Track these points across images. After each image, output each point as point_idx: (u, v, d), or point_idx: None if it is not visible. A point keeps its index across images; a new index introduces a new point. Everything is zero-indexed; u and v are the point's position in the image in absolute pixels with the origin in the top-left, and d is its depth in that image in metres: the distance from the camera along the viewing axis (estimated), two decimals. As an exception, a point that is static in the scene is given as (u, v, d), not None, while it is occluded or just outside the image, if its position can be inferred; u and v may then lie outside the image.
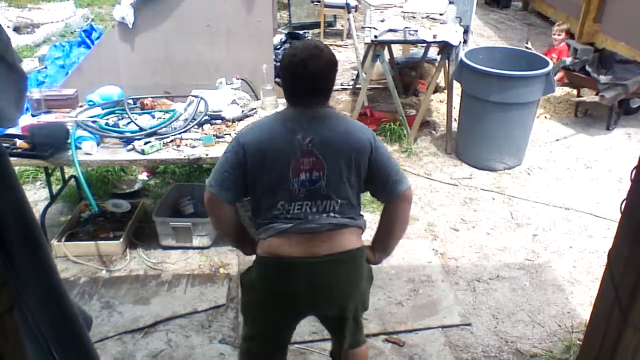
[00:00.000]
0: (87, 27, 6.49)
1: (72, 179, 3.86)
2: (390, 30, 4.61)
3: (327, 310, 2.03)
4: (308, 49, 1.85)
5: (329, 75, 1.90)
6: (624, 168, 4.51)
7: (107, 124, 3.31)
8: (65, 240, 3.44)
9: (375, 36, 4.54)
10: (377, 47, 4.60)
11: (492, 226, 3.83)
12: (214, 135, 3.28)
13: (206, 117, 3.43)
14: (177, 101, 3.66)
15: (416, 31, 4.58)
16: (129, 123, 3.35)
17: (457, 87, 4.87)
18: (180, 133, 3.29)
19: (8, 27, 7.35)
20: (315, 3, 7.96)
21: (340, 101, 5.81)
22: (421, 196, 4.13)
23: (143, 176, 4.29)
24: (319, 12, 7.92)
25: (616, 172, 4.51)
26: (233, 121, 3.46)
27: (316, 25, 8.04)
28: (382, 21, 4.79)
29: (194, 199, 3.70)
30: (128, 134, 3.24)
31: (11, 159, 1.55)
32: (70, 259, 3.38)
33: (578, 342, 2.78)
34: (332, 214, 1.89)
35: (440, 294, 3.18)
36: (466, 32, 5.48)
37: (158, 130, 3.27)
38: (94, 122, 3.28)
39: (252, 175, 1.89)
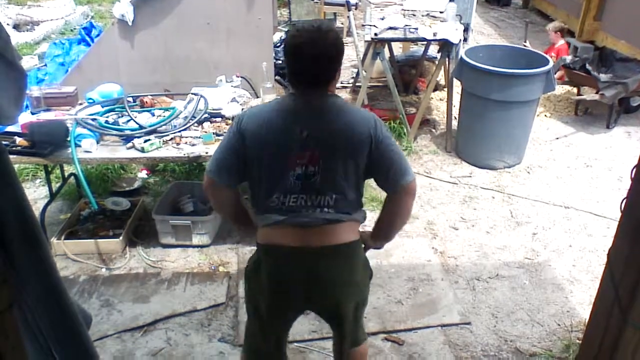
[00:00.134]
0: (86, 24, 6.49)
1: (72, 177, 3.86)
2: (391, 28, 4.60)
3: (321, 302, 2.01)
4: (311, 30, 1.78)
5: (330, 59, 1.81)
6: (624, 167, 4.51)
7: (106, 121, 3.31)
8: (65, 238, 3.44)
9: (376, 34, 4.53)
10: (377, 44, 4.60)
11: (491, 225, 3.83)
12: (213, 133, 3.28)
13: (206, 115, 3.43)
14: (177, 99, 3.65)
15: (416, 29, 4.57)
16: (128, 121, 3.35)
17: (457, 85, 4.86)
18: (180, 131, 3.29)
19: (8, 24, 7.34)
20: (315, 1, 7.95)
21: (340, 99, 5.80)
22: (421, 194, 4.13)
23: (143, 174, 4.28)
24: (319, 10, 7.91)
25: (616, 170, 4.51)
26: (233, 119, 3.45)
27: (316, 22, 8.02)
28: (382, 19, 4.79)
29: (194, 197, 3.70)
30: (128, 132, 3.23)
31: (11, 156, 1.55)
32: (70, 257, 3.37)
33: (577, 341, 2.78)
34: (326, 209, 1.87)
35: (440, 292, 3.18)
36: (466, 30, 5.47)
37: (158, 128, 3.27)
38: (93, 119, 3.28)
39: (250, 163, 1.88)
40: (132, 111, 3.39)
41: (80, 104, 3.54)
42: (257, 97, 3.76)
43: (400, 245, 3.51)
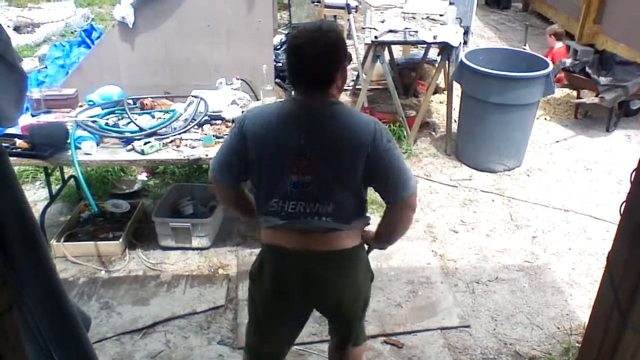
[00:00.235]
0: (87, 26, 6.49)
1: (72, 179, 3.86)
2: (391, 31, 4.61)
3: (323, 304, 2.02)
4: (312, 30, 1.76)
5: (331, 58, 1.78)
6: (623, 170, 4.51)
7: (106, 124, 3.31)
8: (65, 241, 3.44)
9: (376, 37, 4.54)
10: (377, 47, 4.61)
11: (491, 228, 3.83)
12: (213, 135, 3.28)
13: (206, 118, 3.43)
14: (177, 101, 3.66)
15: (416, 32, 4.58)
16: (128, 123, 3.35)
17: (457, 88, 4.87)
18: (180, 133, 3.29)
19: (8, 26, 7.35)
20: (315, 3, 7.96)
21: (340, 102, 5.80)
22: (421, 197, 4.13)
23: (142, 176, 4.28)
24: (319, 13, 7.92)
25: (616, 174, 4.51)
26: (233, 122, 3.46)
27: (317, 25, 8.03)
28: (383, 22, 4.79)
29: (194, 199, 3.70)
30: (128, 134, 3.24)
31: (11, 158, 1.55)
32: (70, 259, 3.37)
33: (577, 344, 2.78)
34: (324, 218, 1.85)
35: (439, 295, 3.17)
36: (466, 33, 5.47)
37: (158, 131, 3.27)
38: (93, 122, 3.28)
39: (251, 163, 1.88)
40: (132, 113, 3.40)
41: (81, 106, 3.55)
42: (257, 100, 3.76)
43: (400, 248, 3.51)
